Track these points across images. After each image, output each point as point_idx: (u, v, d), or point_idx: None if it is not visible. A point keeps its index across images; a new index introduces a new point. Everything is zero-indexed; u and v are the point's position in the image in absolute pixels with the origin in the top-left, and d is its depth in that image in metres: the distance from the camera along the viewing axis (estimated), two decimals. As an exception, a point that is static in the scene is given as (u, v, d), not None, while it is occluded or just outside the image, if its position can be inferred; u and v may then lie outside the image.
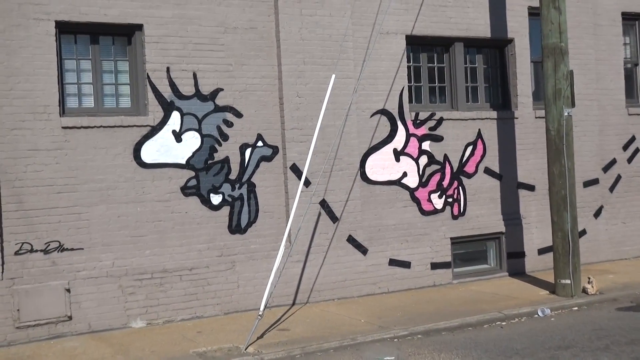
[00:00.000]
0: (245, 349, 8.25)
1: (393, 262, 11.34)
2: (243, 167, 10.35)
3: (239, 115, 10.31)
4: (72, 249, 9.24)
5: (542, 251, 12.60)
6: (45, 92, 9.13)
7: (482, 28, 12.20)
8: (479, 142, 12.19)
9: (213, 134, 10.13)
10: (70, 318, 9.17)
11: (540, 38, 10.76)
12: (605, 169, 13.46)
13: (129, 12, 9.60)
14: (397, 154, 11.47)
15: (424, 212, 11.67)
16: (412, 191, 11.58)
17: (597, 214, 13.29)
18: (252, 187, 10.40)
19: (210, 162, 10.11)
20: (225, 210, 10.21)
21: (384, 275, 11.25)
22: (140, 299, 9.57)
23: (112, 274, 9.44)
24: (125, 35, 9.85)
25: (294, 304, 10.56)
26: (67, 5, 9.25)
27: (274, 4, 10.54)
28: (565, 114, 10.50)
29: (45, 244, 9.11)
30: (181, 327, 9.49)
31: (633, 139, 13.76)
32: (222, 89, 10.19)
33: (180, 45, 9.90)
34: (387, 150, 11.40)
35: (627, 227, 13.65)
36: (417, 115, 11.62)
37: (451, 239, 11.90)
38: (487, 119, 12.24)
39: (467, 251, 12.24)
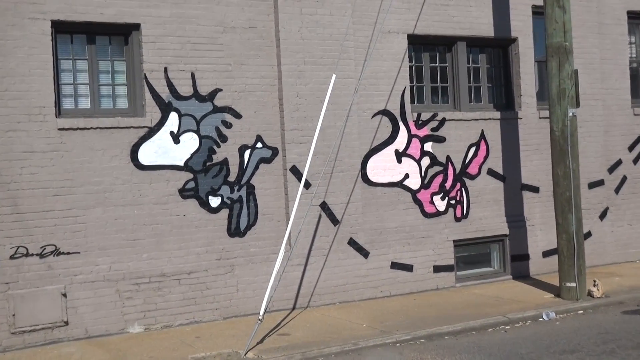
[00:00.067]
0: (245, 354, 8.24)
1: (395, 266, 11.33)
2: (242, 169, 10.34)
3: (238, 116, 10.30)
4: (68, 253, 9.23)
5: (546, 254, 12.59)
6: (40, 93, 9.12)
7: (485, 27, 12.20)
8: (482, 143, 12.19)
9: (211, 135, 10.12)
10: (66, 323, 9.16)
11: (544, 37, 10.76)
12: (611, 170, 13.45)
13: (126, 11, 9.60)
14: (399, 155, 11.46)
15: (426, 215, 11.66)
16: (414, 193, 11.57)
17: (602, 215, 13.28)
18: (251, 190, 10.39)
19: (208, 163, 10.11)
20: (224, 212, 10.20)
21: (386, 278, 11.24)
22: (138, 304, 9.56)
23: (109, 278, 9.43)
24: (122, 34, 9.84)
25: (294, 308, 10.54)
26: (63, 5, 9.24)
27: (273, 3, 10.54)
28: (570, 114, 10.49)
29: (41, 247, 9.09)
30: (179, 332, 9.48)
31: (639, 139, 13.75)
32: (220, 90, 10.19)
33: (178, 45, 9.90)
34: (389, 151, 11.39)
35: (633, 228, 13.64)
36: (419, 115, 11.62)
37: (454, 241, 11.89)
38: (490, 119, 12.24)
39: (471, 254, 12.23)
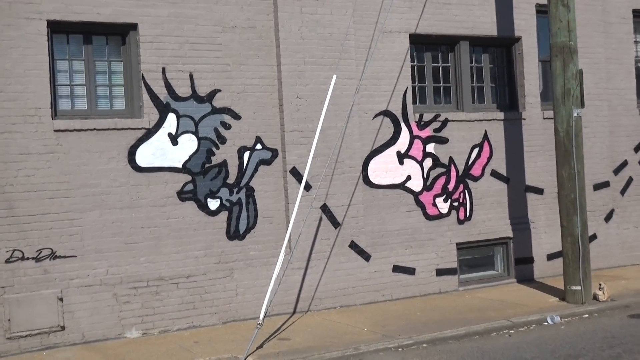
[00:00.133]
0: (245, 359, 8.25)
1: (397, 269, 11.32)
2: (241, 171, 10.34)
3: (237, 117, 10.31)
4: (64, 257, 9.23)
5: (551, 257, 12.58)
6: (36, 94, 9.12)
7: (488, 26, 12.20)
8: (486, 144, 12.18)
9: (210, 137, 10.12)
10: (63, 328, 9.15)
11: (549, 36, 10.76)
12: (616, 171, 13.45)
13: (123, 10, 9.60)
14: (401, 157, 11.46)
15: (428, 217, 11.66)
16: (416, 195, 11.57)
17: (608, 217, 13.28)
18: (250, 192, 10.39)
19: (207, 165, 10.11)
20: (223, 215, 10.20)
21: (388, 282, 11.23)
22: (136, 308, 9.56)
23: (106, 282, 9.42)
24: (119, 34, 9.84)
25: (294, 312, 10.54)
26: (59, 4, 9.24)
27: (273, 2, 10.54)
28: (575, 114, 10.49)
29: (37, 251, 9.09)
30: (178, 337, 9.47)
31: (645, 140, 13.77)
32: (219, 90, 10.19)
33: (176, 45, 9.90)
34: (391, 152, 11.39)
35: (639, 231, 13.63)
36: (421, 116, 11.62)
37: (457, 244, 11.89)
38: (493, 120, 12.24)
39: (474, 257, 12.23)
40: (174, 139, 9.90)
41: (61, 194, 9.24)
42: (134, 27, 9.73)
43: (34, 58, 9.10)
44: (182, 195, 9.93)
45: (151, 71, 9.76)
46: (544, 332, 9.25)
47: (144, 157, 9.70)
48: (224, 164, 10.21)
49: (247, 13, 10.40)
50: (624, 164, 13.54)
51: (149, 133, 9.75)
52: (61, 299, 9.15)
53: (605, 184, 13.23)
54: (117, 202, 9.53)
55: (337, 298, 10.83)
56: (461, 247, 11.97)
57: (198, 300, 9.93)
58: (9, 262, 8.93)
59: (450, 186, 11.86)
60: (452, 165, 11.89)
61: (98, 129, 9.44)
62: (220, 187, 10.18)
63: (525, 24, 12.52)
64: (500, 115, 12.32)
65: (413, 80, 11.76)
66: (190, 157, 10.00)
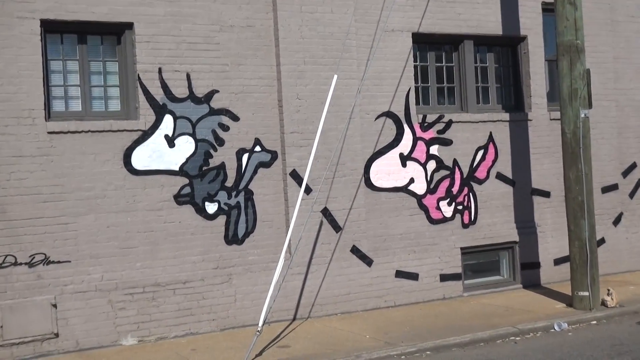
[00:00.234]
0: (243, 368, 8.24)
1: (400, 274, 11.32)
2: (240, 174, 10.34)
3: (235, 118, 10.31)
4: (58, 262, 9.22)
5: (558, 261, 12.57)
6: (29, 95, 9.13)
7: (493, 25, 12.20)
8: (491, 145, 12.18)
9: (208, 139, 10.13)
10: (56, 335, 9.15)
11: (555, 35, 10.76)
12: (625, 173, 13.45)
13: (118, 9, 9.61)
14: (404, 159, 11.46)
15: (432, 221, 11.65)
16: (419, 198, 11.56)
17: (616, 221, 13.27)
18: (249, 195, 10.39)
19: (205, 168, 10.11)
20: (221, 219, 10.20)
21: (390, 287, 11.23)
22: (131, 315, 9.55)
23: (101, 288, 9.42)
24: (114, 34, 9.85)
25: (294, 319, 10.53)
26: (53, 3, 9.25)
27: (272, 1, 10.55)
28: (582, 115, 10.49)
29: (30, 256, 9.09)
30: (175, 344, 9.47)
31: (654, 141, 13.77)
32: (217, 91, 10.19)
33: (173, 45, 9.91)
34: (393, 155, 11.39)
35: (649, 235, 13.65)
36: (424, 117, 11.62)
37: (461, 249, 11.88)
38: (498, 121, 12.24)
39: (479, 262, 12.23)
40: (170, 141, 9.90)
41: (55, 197, 9.23)
42: (129, 26, 9.73)
43: (27, 58, 9.11)
44: (179, 198, 9.93)
45: (147, 71, 9.77)
46: (550, 339, 9.24)
47: (140, 159, 9.70)
48: (222, 167, 10.22)
49: (246, 12, 10.41)
50: (633, 166, 13.54)
51: (145, 135, 9.75)
52: (55, 306, 9.14)
53: (613, 187, 13.23)
54: (113, 206, 9.53)
55: (338, 304, 10.82)
56: (466, 251, 11.96)
57: (195, 306, 9.93)
58: (2, 268, 8.93)
59: (455, 189, 11.85)
60: (457, 168, 11.88)
61: (93, 131, 9.44)
62: (218, 190, 10.18)
63: (531, 23, 12.52)
64: (506, 116, 12.32)
65: (416, 81, 11.76)
66: (188, 159, 10.00)
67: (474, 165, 12.04)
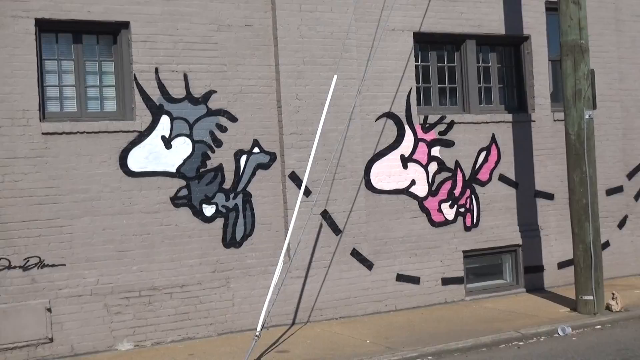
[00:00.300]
0: (241, 373, 8.22)
1: (401, 278, 11.30)
2: (238, 176, 10.32)
3: (233, 119, 10.30)
4: (53, 265, 9.21)
5: (562, 265, 12.56)
6: (24, 96, 9.11)
7: (495, 24, 12.19)
8: (493, 147, 12.17)
9: (205, 140, 10.11)
10: (51, 340, 9.13)
11: (559, 35, 10.75)
12: (630, 175, 13.44)
13: (114, 8, 9.60)
14: (405, 161, 11.44)
15: (434, 223, 11.63)
16: (421, 201, 11.55)
17: (621, 224, 13.26)
18: (247, 197, 10.37)
19: (202, 170, 10.09)
20: (219, 222, 10.18)
21: (391, 291, 11.20)
22: (127, 319, 9.53)
23: (96, 292, 9.40)
24: (110, 33, 9.84)
25: (293, 323, 10.51)
26: (48, 2, 9.24)
27: (271, 0, 10.54)
28: (586, 116, 10.48)
29: (24, 259, 9.07)
30: (171, 349, 9.45)
31: (660, 143, 13.75)
32: (215, 91, 10.18)
33: (170, 44, 9.89)
34: (394, 156, 11.38)
35: (654, 238, 13.63)
36: (426, 118, 11.60)
37: (463, 252, 11.86)
38: (501, 122, 12.22)
39: (481, 265, 12.21)
40: (167, 142, 9.88)
41: (50, 199, 9.22)
42: (125, 25, 9.72)
43: (21, 58, 9.10)
44: (176, 201, 9.91)
45: (144, 71, 9.75)
46: (554, 343, 9.23)
47: (136, 161, 9.69)
48: (219, 169, 10.20)
49: (244, 11, 10.40)
50: (638, 168, 13.52)
51: (142, 136, 9.73)
52: (49, 310, 9.12)
53: (618, 189, 13.21)
54: (108, 208, 9.51)
55: (338, 308, 10.80)
56: (468, 255, 11.94)
57: (193, 310, 9.90)
58: (-5, 271, 8.93)
59: (457, 191, 11.83)
60: (459, 170, 11.87)
61: (88, 132, 9.43)
62: (216, 192, 10.16)
63: (534, 22, 12.51)
64: (509, 117, 12.30)
65: (417, 81, 11.75)
66: (185, 161, 9.98)
67: (476, 167, 12.02)
